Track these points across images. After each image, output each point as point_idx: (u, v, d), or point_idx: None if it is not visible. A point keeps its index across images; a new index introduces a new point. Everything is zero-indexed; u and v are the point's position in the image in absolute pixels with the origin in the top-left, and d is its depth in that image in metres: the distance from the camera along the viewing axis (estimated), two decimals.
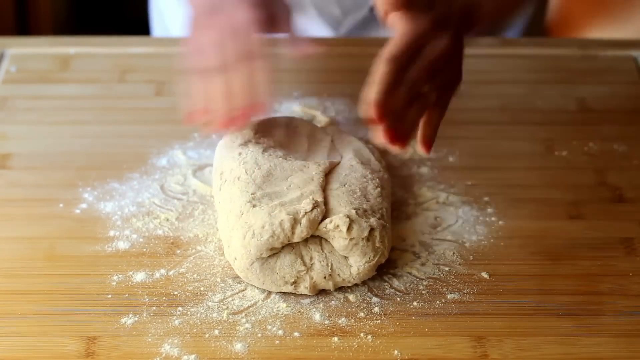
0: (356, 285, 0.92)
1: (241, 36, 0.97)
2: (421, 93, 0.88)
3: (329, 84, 1.20)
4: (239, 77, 0.97)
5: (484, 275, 0.93)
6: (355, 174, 0.96)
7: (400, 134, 0.85)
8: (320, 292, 0.91)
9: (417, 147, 0.90)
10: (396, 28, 0.87)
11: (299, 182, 0.93)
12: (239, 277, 0.92)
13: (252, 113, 0.98)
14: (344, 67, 1.25)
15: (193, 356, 0.84)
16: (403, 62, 0.86)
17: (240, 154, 0.97)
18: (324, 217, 0.89)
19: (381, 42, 1.29)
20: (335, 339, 0.86)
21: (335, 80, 1.21)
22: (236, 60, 0.97)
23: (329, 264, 0.90)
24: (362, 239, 0.89)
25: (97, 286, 0.91)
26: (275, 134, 1.01)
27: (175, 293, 0.91)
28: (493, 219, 1.00)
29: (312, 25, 1.32)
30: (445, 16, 0.90)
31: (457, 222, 1.00)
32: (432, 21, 0.88)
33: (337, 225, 0.89)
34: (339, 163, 0.97)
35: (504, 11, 1.02)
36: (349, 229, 0.89)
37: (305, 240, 0.90)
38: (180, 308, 0.89)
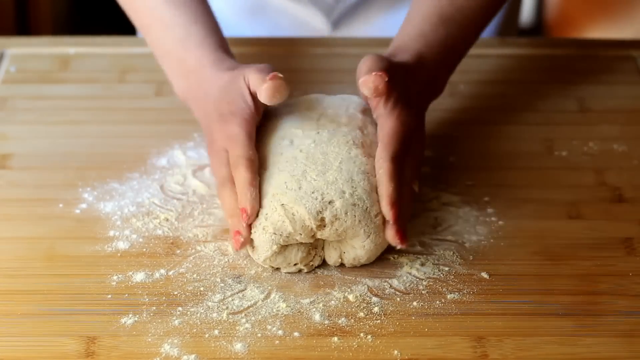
0: (356, 285, 0.92)
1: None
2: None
3: (329, 84, 1.20)
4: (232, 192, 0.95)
5: (484, 275, 0.93)
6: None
7: (405, 231, 0.93)
8: (320, 292, 0.91)
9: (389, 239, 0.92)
10: (385, 123, 0.95)
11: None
12: (238, 277, 0.92)
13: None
14: (344, 67, 1.25)
15: (193, 356, 0.84)
16: (402, 160, 0.93)
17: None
18: None
19: (381, 42, 1.29)
20: (335, 339, 0.86)
21: (335, 81, 1.21)
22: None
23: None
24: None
25: (97, 286, 0.91)
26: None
27: (175, 293, 0.91)
28: (493, 219, 1.00)
29: (304, 11, 1.32)
30: (420, 107, 0.99)
31: (457, 222, 0.99)
32: (415, 115, 0.96)
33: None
34: None
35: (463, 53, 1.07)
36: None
37: None
38: (180, 308, 0.89)
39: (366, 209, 0.92)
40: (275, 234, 0.91)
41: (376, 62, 0.96)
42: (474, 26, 1.04)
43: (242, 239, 0.92)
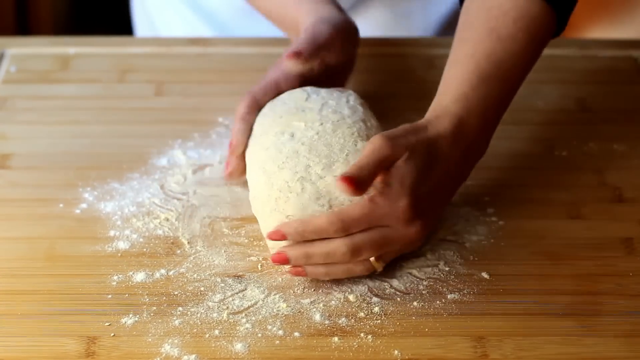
0: (356, 285, 0.92)
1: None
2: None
3: None
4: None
5: (484, 275, 0.93)
6: None
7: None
8: (320, 292, 0.91)
9: None
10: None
11: None
12: (239, 277, 0.92)
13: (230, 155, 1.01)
14: None
15: (193, 356, 0.84)
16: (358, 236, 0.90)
17: None
18: None
19: (381, 42, 1.29)
20: (336, 339, 0.86)
21: None
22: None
23: None
24: None
25: (97, 286, 0.91)
26: None
27: (176, 293, 0.91)
28: (493, 219, 1.00)
29: None
30: (438, 187, 0.93)
31: (457, 222, 0.99)
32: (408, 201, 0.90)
33: None
34: None
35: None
36: None
37: None
38: (180, 308, 0.89)
39: None
40: None
41: (379, 148, 0.89)
42: (514, 81, 0.99)
43: (230, 170, 1.00)
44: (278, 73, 1.03)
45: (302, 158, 0.92)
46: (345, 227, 0.88)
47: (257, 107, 1.00)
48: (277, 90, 1.02)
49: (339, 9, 1.09)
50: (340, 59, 1.06)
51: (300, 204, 0.90)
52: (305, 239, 0.89)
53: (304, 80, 1.03)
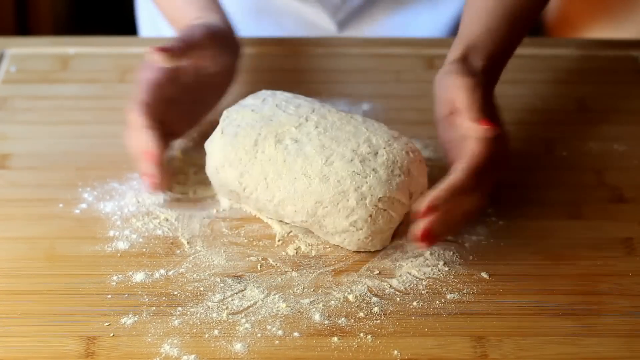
0: (356, 285, 0.92)
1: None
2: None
3: (329, 84, 1.20)
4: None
5: (484, 275, 0.93)
6: None
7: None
8: (320, 292, 0.91)
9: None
10: (475, 146, 0.93)
11: None
12: (238, 277, 0.92)
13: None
14: (344, 67, 1.25)
15: (193, 356, 0.84)
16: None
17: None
18: None
19: (385, 42, 1.29)
20: (335, 339, 0.86)
21: (335, 80, 1.21)
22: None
23: None
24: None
25: (97, 286, 0.92)
26: None
27: (175, 293, 0.91)
28: (493, 219, 1.00)
29: (310, 11, 1.33)
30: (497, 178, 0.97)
31: None
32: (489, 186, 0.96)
33: None
34: None
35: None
36: None
37: None
38: (179, 308, 0.89)
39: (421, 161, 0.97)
40: (386, 227, 0.94)
41: (472, 93, 0.96)
42: (529, 21, 1.05)
43: (157, 181, 0.98)
44: (151, 74, 1.02)
45: (339, 149, 0.94)
46: (478, 178, 0.92)
47: (150, 112, 0.99)
48: (160, 90, 1.01)
49: (228, 21, 1.09)
50: (215, 67, 1.05)
51: (383, 180, 0.93)
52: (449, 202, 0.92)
53: (177, 80, 1.03)
